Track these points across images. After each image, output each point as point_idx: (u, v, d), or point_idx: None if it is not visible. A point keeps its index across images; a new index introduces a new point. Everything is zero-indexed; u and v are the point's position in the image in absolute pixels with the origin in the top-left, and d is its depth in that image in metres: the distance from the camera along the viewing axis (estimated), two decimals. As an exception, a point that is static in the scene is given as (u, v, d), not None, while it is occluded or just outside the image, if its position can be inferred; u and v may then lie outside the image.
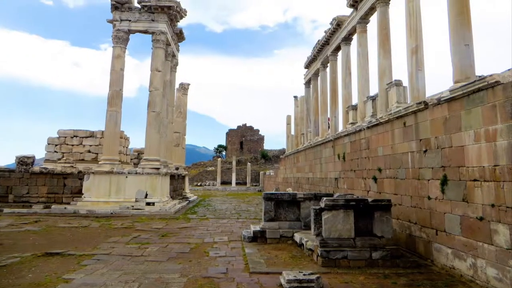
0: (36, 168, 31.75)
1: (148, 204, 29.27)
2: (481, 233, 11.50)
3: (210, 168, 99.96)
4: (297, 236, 16.81)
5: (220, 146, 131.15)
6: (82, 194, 30.14)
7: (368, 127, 21.28)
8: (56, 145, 39.91)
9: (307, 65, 42.28)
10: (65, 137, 39.92)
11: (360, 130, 22.61)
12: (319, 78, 38.29)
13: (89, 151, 40.10)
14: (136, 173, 30.09)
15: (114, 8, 32.65)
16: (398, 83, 19.46)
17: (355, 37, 28.34)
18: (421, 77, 17.79)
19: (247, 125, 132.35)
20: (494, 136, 11.05)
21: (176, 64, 41.34)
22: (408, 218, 16.14)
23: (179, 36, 40.43)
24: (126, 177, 29.94)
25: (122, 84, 32.10)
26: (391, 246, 13.76)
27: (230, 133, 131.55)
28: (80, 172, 31.40)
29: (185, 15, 36.07)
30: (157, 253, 15.49)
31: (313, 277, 10.73)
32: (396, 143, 17.71)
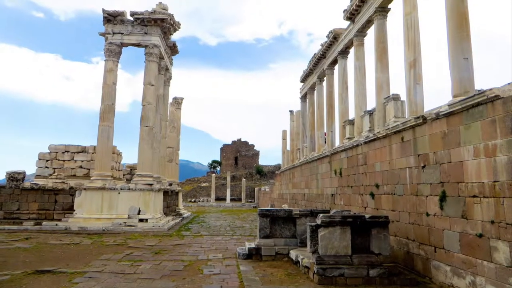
0: (27, 184, 31.66)
1: (141, 220, 29.20)
2: (481, 250, 11.49)
3: (204, 184, 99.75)
4: (293, 253, 16.77)
5: (214, 161, 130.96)
6: (74, 210, 30.04)
7: (365, 142, 21.30)
8: (47, 161, 39.88)
9: (303, 79, 42.31)
10: (56, 152, 39.88)
11: (357, 145, 22.62)
12: (315, 92, 38.33)
13: (80, 167, 40.07)
14: (129, 189, 30.03)
15: (107, 20, 32.66)
16: (396, 97, 19.49)
17: (352, 50, 28.33)
18: (419, 91, 17.80)
19: (242, 140, 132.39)
20: (493, 152, 11.06)
21: (170, 78, 41.34)
22: (406, 235, 16.12)
23: (173, 49, 40.46)
24: (119, 193, 29.87)
25: (114, 98, 32.10)
26: (388, 263, 13.74)
27: (224, 148, 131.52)
28: (71, 188, 31.31)
29: (179, 28, 36.11)
30: (150, 270, 15.43)
31: (310, 295, 10.69)
32: (394, 158, 17.72)
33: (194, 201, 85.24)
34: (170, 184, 41.57)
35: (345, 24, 28.58)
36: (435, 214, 13.91)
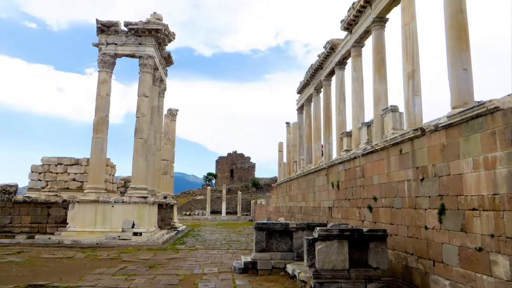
0: (19, 197, 31.59)
1: (135, 234, 29.13)
2: (480, 264, 11.47)
3: (199, 197, 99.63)
4: (290, 267, 16.74)
5: (209, 174, 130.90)
6: (67, 223, 29.96)
7: (363, 155, 21.30)
8: (40, 173, 39.82)
9: (300, 90, 42.35)
10: (49, 164, 39.83)
11: (354, 158, 22.62)
12: (312, 103, 38.36)
13: (74, 179, 40.01)
14: (123, 202, 29.97)
15: (100, 31, 32.64)
16: (394, 109, 19.51)
17: (349, 61, 28.34)
18: (418, 102, 17.82)
19: (238, 152, 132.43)
20: (493, 164, 11.06)
21: (164, 89, 41.34)
22: (404, 248, 16.10)
23: (167, 60, 40.46)
24: (113, 206, 29.81)
25: (108, 110, 32.07)
26: (386, 277, 13.72)
27: (220, 161, 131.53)
28: (64, 201, 31.25)
29: (174, 38, 36.08)
30: (145, 285, 15.38)
31: (307, 310, 10.67)
32: (392, 171, 17.71)
33: (189, 215, 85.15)
34: (165, 197, 41.51)
35: (342, 34, 28.61)
36: (434, 227, 13.90)
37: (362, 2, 23.73)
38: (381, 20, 22.72)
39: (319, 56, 33.64)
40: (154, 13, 33.77)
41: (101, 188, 30.95)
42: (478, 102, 11.97)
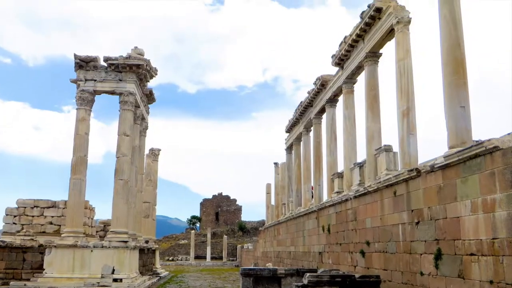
0: (-8, 241, 31.26)
1: (115, 280, 28.82)
2: (480, 313, 11.40)
3: (183, 242, 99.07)
4: (279, 316, 16.59)
5: (193, 217, 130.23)
6: (44, 269, 29.60)
7: (355, 197, 21.28)
8: (15, 216, 39.47)
9: (289, 129, 42.41)
10: (25, 207, 39.50)
11: (346, 200, 22.59)
12: (301, 143, 38.39)
13: (51, 223, 39.67)
14: (102, 246, 29.70)
15: (78, 66, 32.44)
16: (388, 149, 19.53)
17: (341, 98, 28.28)
18: (413, 141, 17.86)
19: (223, 194, 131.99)
20: (492, 207, 11.05)
21: (146, 127, 41.23)
22: (399, 296, 16.01)
23: (149, 97, 40.33)
24: (92, 251, 29.53)
25: (87, 150, 31.89)
26: (381, 327, 13.60)
27: (204, 203, 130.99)
28: (41, 245, 30.93)
29: (156, 74, 36.00)
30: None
31: None
32: (386, 214, 17.69)
33: (172, 260, 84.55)
34: (147, 241, 41.22)
35: (333, 70, 28.69)
36: (430, 273, 13.84)
37: (354, 36, 23.85)
38: (374, 55, 22.79)
39: (309, 93, 33.70)
40: (135, 47, 33.64)
41: (79, 232, 30.66)
42: (476, 141, 12.01)
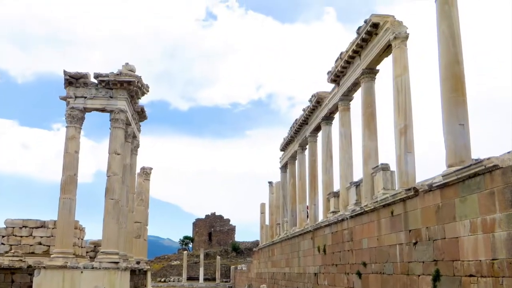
0: (-21, 263, 31.11)
1: (105, 302, 28.68)
2: (480, 336, 11.36)
3: (175, 262, 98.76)
4: None
5: (186, 237, 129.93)
6: (32, 291, 29.46)
7: (351, 217, 21.25)
8: (3, 237, 39.31)
9: (283, 147, 42.39)
10: (13, 227, 39.35)
11: (342, 220, 22.56)
12: (296, 161, 38.36)
13: (40, 243, 39.51)
14: (93, 267, 29.56)
15: (68, 83, 32.16)
16: (385, 167, 19.51)
17: (337, 115, 28.23)
18: (410, 160, 17.84)
19: (216, 214, 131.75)
20: (492, 227, 11.03)
21: (137, 146, 41.10)
22: (397, 318, 15.96)
23: (141, 114, 40.18)
24: (82, 272, 29.37)
25: (77, 169, 31.72)
26: None
27: (197, 223, 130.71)
28: (29, 266, 30.76)
29: (147, 91, 35.81)
30: None
31: None
32: (383, 234, 17.66)
33: (164, 281, 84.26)
34: (138, 262, 41.06)
35: (329, 87, 28.66)
36: (429, 295, 13.80)
37: (350, 52, 23.84)
38: (371, 71, 22.77)
39: (304, 110, 33.67)
40: (127, 64, 33.44)
41: (69, 253, 30.49)
42: (476, 159, 12.01)
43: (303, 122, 34.83)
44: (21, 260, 33.75)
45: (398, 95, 18.84)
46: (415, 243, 14.93)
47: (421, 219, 14.60)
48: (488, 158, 11.19)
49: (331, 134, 30.00)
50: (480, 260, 11.46)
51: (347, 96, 26.25)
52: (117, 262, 30.31)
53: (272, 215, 48.88)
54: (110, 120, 32.66)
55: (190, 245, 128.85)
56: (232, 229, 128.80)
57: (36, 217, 40.13)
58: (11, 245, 38.59)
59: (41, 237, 39.23)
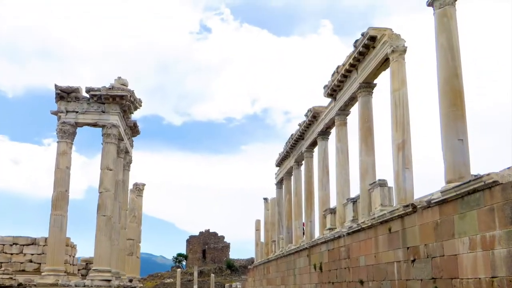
0: (-31, 280, 31.00)
1: (97, 321, 28.57)
2: None
3: (168, 280, 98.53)
4: None
5: (179, 255, 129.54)
6: (22, 309, 29.36)
7: (348, 234, 21.21)
8: (-8, 254, 39.19)
9: (279, 163, 42.33)
10: (4, 244, 39.23)
11: (339, 237, 22.52)
12: (292, 177, 38.30)
13: (30, 261, 39.38)
14: (84, 285, 29.45)
15: (59, 98, 32.01)
16: (383, 183, 19.48)
17: (333, 130, 28.18)
18: (408, 176, 17.81)
19: (211, 231, 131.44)
20: (491, 244, 11.01)
21: (130, 161, 41.00)
22: (395, 337, 15.92)
23: (133, 129, 40.04)
24: (73, 290, 29.30)
25: (68, 185, 31.62)
26: None
27: (191, 240, 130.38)
28: (20, 284, 30.67)
29: (140, 105, 35.69)
30: None
31: None
32: (380, 251, 17.63)
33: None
34: (130, 280, 40.93)
35: (325, 101, 28.63)
36: (428, 313, 13.76)
37: (347, 66, 23.81)
38: (368, 85, 22.75)
39: (300, 125, 33.66)
40: (119, 77, 33.32)
41: (60, 271, 30.37)
42: (475, 175, 12.01)
43: (299, 137, 34.79)
44: (11, 278, 33.63)
45: (396, 110, 18.83)
46: (413, 261, 14.91)
47: (420, 236, 14.58)
48: (488, 174, 11.18)
49: (328, 150, 29.98)
50: (480, 278, 11.44)
51: (344, 110, 26.20)
52: (109, 280, 30.21)
53: (267, 232, 48.79)
54: (102, 135, 32.52)
55: (184, 263, 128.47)
56: (227, 246, 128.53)
57: (26, 234, 40.04)
58: (1, 262, 38.44)
59: (32, 254, 39.11)
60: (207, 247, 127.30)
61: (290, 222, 37.77)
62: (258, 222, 55.50)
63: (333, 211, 26.61)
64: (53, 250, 30.78)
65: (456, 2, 15.26)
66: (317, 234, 30.34)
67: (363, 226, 19.40)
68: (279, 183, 43.69)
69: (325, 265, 24.59)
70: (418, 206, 14.68)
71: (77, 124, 32.36)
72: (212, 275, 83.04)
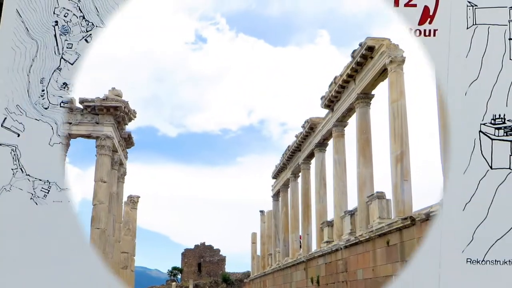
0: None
1: (90, 336, 28.37)
2: None
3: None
4: None
5: (174, 268, 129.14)
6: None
7: (346, 247, 21.15)
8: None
9: (275, 175, 42.26)
10: None
11: (336, 250, 22.46)
12: (289, 189, 38.23)
13: (22, 274, 39.25)
14: (77, 299, 29.31)
15: (52, 109, 32.04)
16: (381, 196, 19.43)
17: (331, 142, 28.10)
18: (407, 188, 17.75)
19: (206, 244, 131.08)
20: (491, 257, 10.95)
21: (124, 173, 40.85)
22: None
23: (128, 141, 39.89)
24: (65, 304, 29.13)
25: (62, 196, 31.55)
26: None
27: (186, 254, 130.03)
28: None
29: (135, 117, 35.55)
30: None
31: None
32: (378, 264, 17.57)
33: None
34: (124, 294, 40.80)
35: (323, 112, 28.58)
36: (427, 329, 13.68)
37: (345, 77, 23.76)
38: (366, 96, 22.69)
39: (296, 136, 33.62)
40: (113, 88, 33.20)
41: (53, 284, 30.25)
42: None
43: (295, 149, 34.75)
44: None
45: (394, 121, 18.78)
46: (412, 274, 14.84)
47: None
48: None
49: (325, 161, 29.91)
50: (480, 292, 11.37)
51: (342, 122, 26.16)
52: (102, 294, 29.94)
53: (263, 245, 48.66)
54: (96, 147, 32.34)
55: (179, 276, 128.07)
56: (222, 260, 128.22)
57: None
58: None
59: (24, 268, 38.92)
60: (202, 260, 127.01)
61: (287, 235, 37.67)
62: (254, 235, 55.38)
63: (330, 224, 26.55)
64: (46, 264, 30.54)
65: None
66: (314, 247, 30.24)
67: (361, 239, 19.35)
68: (276, 195, 43.60)
69: (322, 279, 24.51)
70: (417, 219, 14.64)
71: (71, 136, 32.15)
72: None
